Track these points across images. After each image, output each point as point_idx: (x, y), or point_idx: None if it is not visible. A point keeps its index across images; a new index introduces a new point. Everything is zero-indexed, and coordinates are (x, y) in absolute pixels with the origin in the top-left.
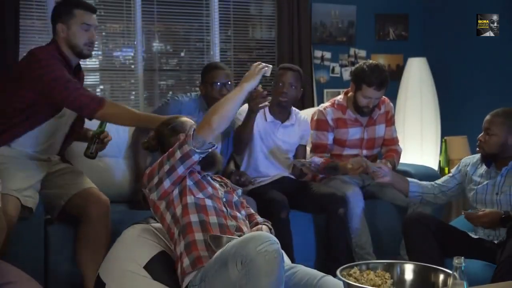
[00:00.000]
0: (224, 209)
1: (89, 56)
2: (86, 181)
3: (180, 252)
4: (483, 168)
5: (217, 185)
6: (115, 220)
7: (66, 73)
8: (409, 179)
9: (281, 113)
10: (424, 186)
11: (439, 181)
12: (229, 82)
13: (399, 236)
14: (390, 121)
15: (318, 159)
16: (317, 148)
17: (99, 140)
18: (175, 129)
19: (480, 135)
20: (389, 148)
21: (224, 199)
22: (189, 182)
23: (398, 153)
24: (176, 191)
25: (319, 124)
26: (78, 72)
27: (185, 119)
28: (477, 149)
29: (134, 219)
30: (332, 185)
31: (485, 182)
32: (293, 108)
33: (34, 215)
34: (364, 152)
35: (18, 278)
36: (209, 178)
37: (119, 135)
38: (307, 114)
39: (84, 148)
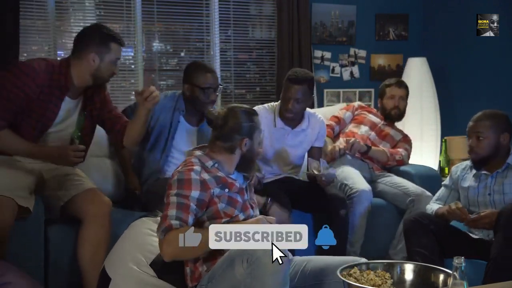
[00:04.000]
0: (252, 213)
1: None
2: (86, 182)
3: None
4: (472, 172)
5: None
6: None
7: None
8: None
9: (292, 120)
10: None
11: (435, 198)
12: (221, 86)
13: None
14: (405, 139)
15: (333, 171)
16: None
17: None
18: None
19: (470, 141)
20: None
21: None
22: (220, 205)
23: (392, 156)
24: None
25: (333, 117)
26: (95, 95)
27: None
28: (469, 155)
29: (125, 220)
30: (342, 180)
31: (475, 185)
32: (307, 110)
33: (33, 216)
34: (372, 134)
35: (18, 278)
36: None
37: (100, 135)
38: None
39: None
